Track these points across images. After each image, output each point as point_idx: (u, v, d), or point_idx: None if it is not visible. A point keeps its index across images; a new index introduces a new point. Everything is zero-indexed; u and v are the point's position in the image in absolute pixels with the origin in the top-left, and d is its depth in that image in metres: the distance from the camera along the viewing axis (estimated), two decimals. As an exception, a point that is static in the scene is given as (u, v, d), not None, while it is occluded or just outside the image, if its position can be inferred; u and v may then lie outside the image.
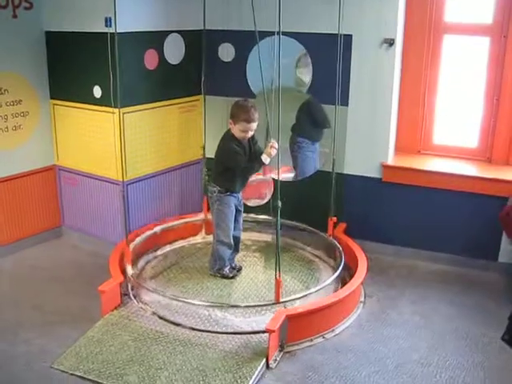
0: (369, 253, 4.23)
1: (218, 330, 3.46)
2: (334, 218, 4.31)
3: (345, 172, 4.48)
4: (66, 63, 4.37)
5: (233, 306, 3.69)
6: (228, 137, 3.85)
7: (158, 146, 4.51)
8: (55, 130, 4.62)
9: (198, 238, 4.68)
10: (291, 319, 3.30)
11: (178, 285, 3.95)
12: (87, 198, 4.59)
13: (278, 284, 3.50)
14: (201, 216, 4.66)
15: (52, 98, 4.55)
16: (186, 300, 3.68)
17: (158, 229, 4.45)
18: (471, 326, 3.61)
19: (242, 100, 3.85)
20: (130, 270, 3.88)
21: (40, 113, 4.53)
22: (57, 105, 4.53)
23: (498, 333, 3.45)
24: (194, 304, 3.65)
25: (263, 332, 3.32)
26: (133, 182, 4.35)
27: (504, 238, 4.19)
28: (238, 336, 3.39)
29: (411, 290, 4.08)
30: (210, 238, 4.44)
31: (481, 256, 4.28)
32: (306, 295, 3.66)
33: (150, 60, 4.28)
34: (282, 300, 3.55)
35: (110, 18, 3.81)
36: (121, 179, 4.06)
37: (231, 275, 4.01)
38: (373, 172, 4.45)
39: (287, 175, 4.52)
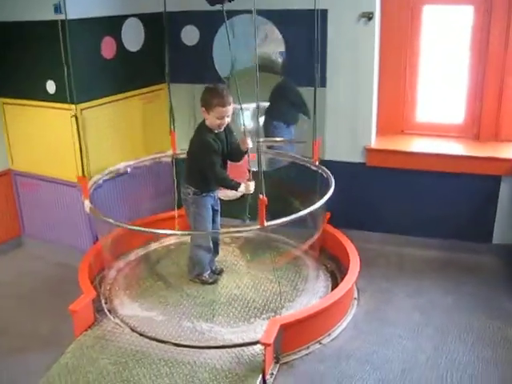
0: (354, 241, 3.98)
1: (206, 344, 3.14)
2: (319, 141, 3.91)
3: (326, 158, 4.17)
4: (14, 57, 3.91)
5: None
6: (203, 130, 3.47)
7: (123, 142, 4.14)
8: (7, 131, 4.18)
9: (172, 239, 4.33)
10: (286, 328, 3.01)
11: (155, 294, 3.61)
12: (48, 204, 4.18)
13: (262, 204, 3.07)
14: (169, 152, 4.22)
15: (1, 95, 4.10)
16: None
17: (122, 165, 4.01)
18: (473, 318, 3.38)
19: (211, 85, 3.49)
20: (87, 205, 3.49)
21: (-12, 113, 4.10)
22: (7, 103, 4.09)
23: (501, 323, 3.29)
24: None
25: (255, 343, 3.03)
26: (99, 184, 3.95)
27: (498, 218, 3.98)
28: (228, 350, 3.08)
29: (404, 280, 3.83)
30: (184, 237, 4.14)
31: (474, 239, 4.06)
32: (292, 219, 3.23)
33: (108, 48, 3.88)
34: (266, 224, 3.11)
35: (60, 4, 3.42)
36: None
37: (211, 280, 3.69)
38: (356, 157, 4.17)
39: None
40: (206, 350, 3.09)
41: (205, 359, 3.02)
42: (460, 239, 4.08)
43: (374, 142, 4.17)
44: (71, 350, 3.13)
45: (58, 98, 3.72)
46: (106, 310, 3.49)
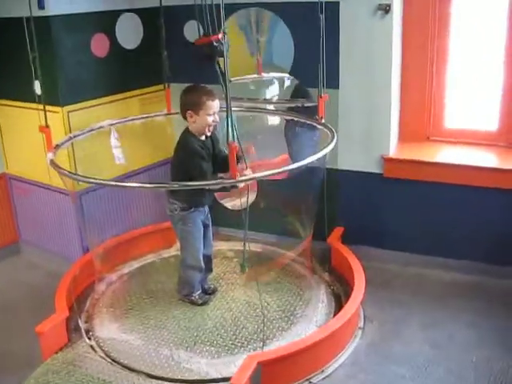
0: (370, 261, 3.61)
1: (179, 376, 2.81)
2: (325, 96, 3.41)
3: (338, 167, 3.76)
4: (4, 55, 3.70)
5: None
6: (188, 137, 3.13)
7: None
8: (1, 133, 3.99)
9: (172, 251, 4.01)
10: (266, 366, 2.63)
11: (138, 314, 3.31)
12: (43, 211, 3.96)
13: (232, 152, 2.58)
14: (164, 111, 3.86)
15: (-6, 96, 3.92)
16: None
17: (106, 122, 3.63)
18: (496, 360, 2.88)
19: (190, 86, 3.22)
20: (49, 157, 3.11)
21: (-19, 114, 3.91)
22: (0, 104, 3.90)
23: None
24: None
25: (227, 380, 2.67)
26: (88, 192, 3.70)
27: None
28: (202, 385, 2.76)
29: (420, 308, 3.37)
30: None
31: (507, 263, 3.54)
32: (271, 173, 2.82)
33: (99, 46, 3.60)
34: (239, 178, 2.65)
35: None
36: (72, 189, 3.47)
37: (201, 301, 3.35)
38: (372, 166, 3.73)
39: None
40: (178, 384, 2.77)
41: (173, 395, 2.70)
42: (490, 262, 3.57)
43: (393, 151, 3.72)
44: (36, 375, 2.87)
45: (45, 99, 3.45)
46: (82, 331, 3.22)
